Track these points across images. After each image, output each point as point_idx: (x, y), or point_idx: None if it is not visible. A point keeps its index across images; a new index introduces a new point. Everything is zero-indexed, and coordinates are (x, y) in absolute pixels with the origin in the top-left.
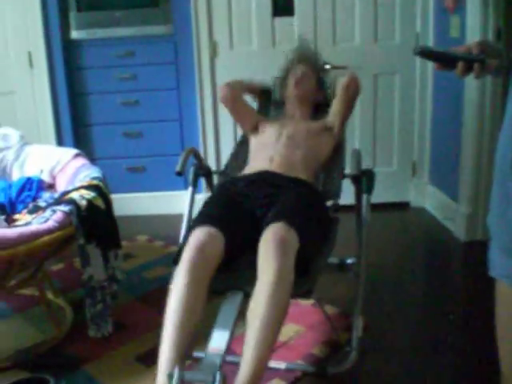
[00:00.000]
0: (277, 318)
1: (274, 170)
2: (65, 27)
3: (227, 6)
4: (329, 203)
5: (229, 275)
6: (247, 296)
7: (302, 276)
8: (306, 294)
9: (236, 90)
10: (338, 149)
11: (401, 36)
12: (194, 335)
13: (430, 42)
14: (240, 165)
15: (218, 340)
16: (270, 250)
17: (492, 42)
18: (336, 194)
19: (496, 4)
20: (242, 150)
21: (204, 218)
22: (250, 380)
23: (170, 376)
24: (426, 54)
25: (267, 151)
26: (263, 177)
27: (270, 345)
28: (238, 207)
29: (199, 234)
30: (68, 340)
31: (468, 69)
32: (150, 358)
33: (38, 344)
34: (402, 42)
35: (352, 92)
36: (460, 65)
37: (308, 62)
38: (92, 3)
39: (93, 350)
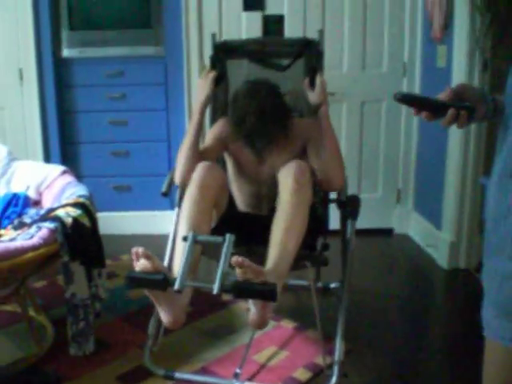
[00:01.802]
0: (300, 220)
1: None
2: (56, 45)
3: (218, 29)
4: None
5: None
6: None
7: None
8: (324, 248)
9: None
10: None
11: (388, 64)
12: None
13: (417, 70)
14: None
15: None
16: (291, 174)
17: (470, 84)
18: (323, 218)
19: (483, 35)
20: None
21: None
22: (278, 260)
23: (185, 238)
24: (407, 100)
25: (250, 187)
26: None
27: (294, 242)
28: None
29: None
30: (49, 358)
31: (457, 117)
32: (132, 378)
33: (18, 361)
34: (389, 70)
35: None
36: (451, 112)
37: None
38: (85, 22)
39: (74, 369)
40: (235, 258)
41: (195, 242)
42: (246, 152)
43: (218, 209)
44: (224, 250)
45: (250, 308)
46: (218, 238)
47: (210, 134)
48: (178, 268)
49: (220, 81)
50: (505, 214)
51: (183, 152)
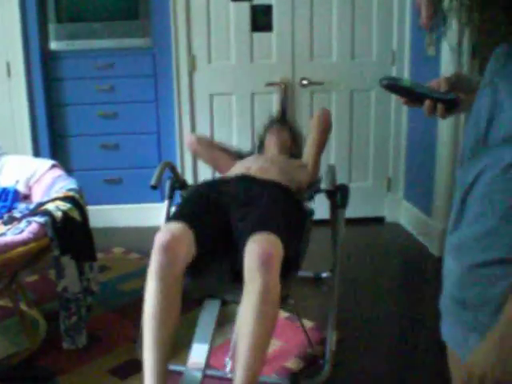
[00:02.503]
0: (266, 333)
1: (250, 174)
2: (44, 38)
3: (206, 20)
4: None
5: (204, 281)
6: (224, 304)
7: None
8: (283, 300)
9: (202, 138)
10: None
11: (377, 53)
12: (174, 338)
13: (406, 59)
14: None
15: (198, 354)
16: (256, 264)
17: (467, 74)
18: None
19: (471, 21)
20: None
21: (174, 216)
22: None
23: None
24: (392, 87)
25: (243, 164)
26: (240, 178)
27: (260, 362)
28: (212, 203)
29: (166, 231)
30: (41, 352)
31: (434, 108)
32: (124, 372)
33: (10, 356)
34: (378, 59)
35: (323, 129)
36: (426, 103)
37: (284, 123)
38: (72, 15)
39: (66, 363)
40: None
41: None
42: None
43: (188, 258)
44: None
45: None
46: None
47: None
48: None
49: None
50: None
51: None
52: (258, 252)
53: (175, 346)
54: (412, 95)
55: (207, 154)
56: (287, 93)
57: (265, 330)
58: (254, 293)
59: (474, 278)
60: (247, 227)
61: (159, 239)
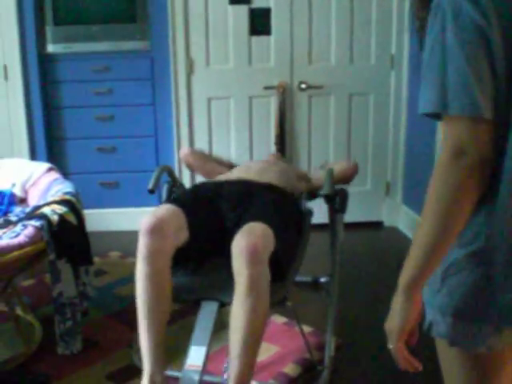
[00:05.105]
0: (255, 327)
1: (249, 177)
2: (41, 41)
3: (204, 23)
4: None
5: (201, 281)
6: (223, 305)
7: (278, 282)
8: (281, 302)
9: (196, 151)
10: None
11: (376, 57)
12: (167, 319)
13: (405, 63)
14: None
15: (195, 356)
16: (243, 257)
17: None
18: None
19: None
20: None
21: (165, 201)
22: None
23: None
24: None
25: (245, 164)
26: (237, 180)
27: (253, 354)
28: (209, 203)
29: (151, 215)
30: (37, 357)
31: None
32: (120, 377)
33: (5, 360)
34: (377, 62)
35: (347, 179)
36: None
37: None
38: (69, 17)
39: (62, 368)
40: None
41: None
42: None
43: (179, 240)
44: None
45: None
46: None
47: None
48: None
49: None
50: None
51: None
52: (242, 245)
53: (173, 351)
54: None
55: (201, 166)
56: (285, 96)
57: (254, 323)
58: (241, 286)
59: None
60: (241, 227)
61: (144, 223)
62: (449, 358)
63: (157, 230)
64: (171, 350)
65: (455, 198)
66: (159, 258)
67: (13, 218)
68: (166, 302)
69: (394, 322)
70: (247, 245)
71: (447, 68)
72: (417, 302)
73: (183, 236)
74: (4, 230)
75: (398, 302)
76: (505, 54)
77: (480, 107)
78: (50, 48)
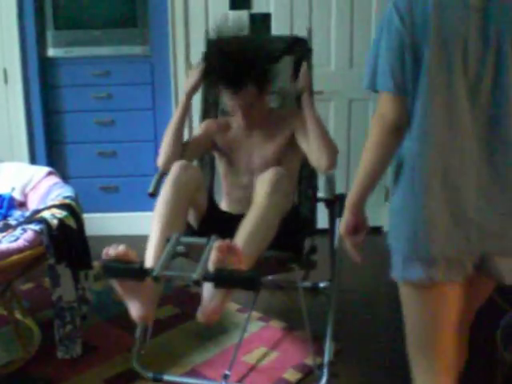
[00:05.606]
0: (267, 223)
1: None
2: (42, 45)
3: (205, 28)
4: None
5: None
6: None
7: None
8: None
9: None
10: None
11: None
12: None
13: None
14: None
15: None
16: (266, 181)
17: None
18: (310, 220)
19: None
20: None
21: None
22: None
23: (168, 240)
24: None
25: (239, 191)
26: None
27: (259, 244)
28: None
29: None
30: (36, 361)
31: None
32: (119, 381)
33: (4, 365)
34: None
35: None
36: None
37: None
38: (70, 22)
39: (61, 372)
40: (222, 243)
41: (178, 243)
42: (235, 128)
43: (197, 209)
44: (207, 248)
45: (204, 296)
46: (202, 240)
47: (198, 129)
48: (149, 262)
49: (210, 75)
50: None
51: (168, 136)
52: (267, 175)
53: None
54: None
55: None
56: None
57: (268, 219)
58: (263, 189)
59: None
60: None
61: (176, 163)
62: (404, 299)
63: (187, 167)
64: (170, 354)
65: (377, 149)
66: (185, 185)
67: (12, 221)
68: (183, 213)
69: (340, 227)
70: (271, 175)
71: (377, 60)
72: (356, 214)
73: (203, 190)
74: (3, 234)
75: (344, 216)
76: (412, 48)
77: (395, 85)
78: (51, 52)
